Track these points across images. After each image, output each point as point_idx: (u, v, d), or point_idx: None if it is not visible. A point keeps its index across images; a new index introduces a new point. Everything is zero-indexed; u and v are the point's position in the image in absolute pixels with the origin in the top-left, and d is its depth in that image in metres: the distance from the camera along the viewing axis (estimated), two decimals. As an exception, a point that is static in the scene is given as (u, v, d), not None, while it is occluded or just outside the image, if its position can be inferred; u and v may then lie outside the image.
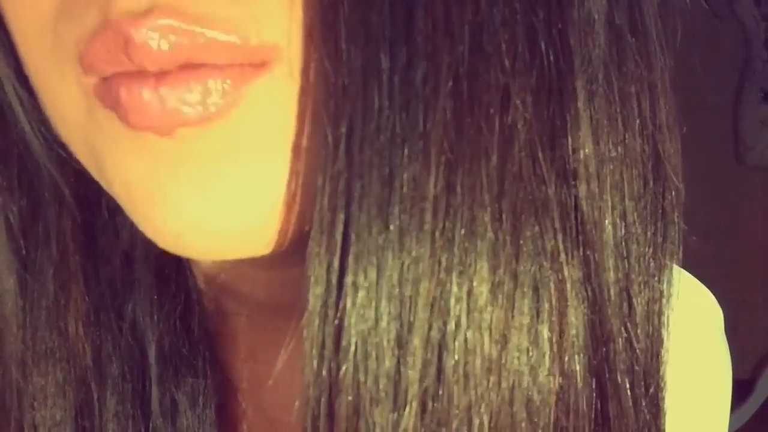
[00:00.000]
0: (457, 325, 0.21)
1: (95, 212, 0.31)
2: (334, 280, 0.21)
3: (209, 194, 0.22)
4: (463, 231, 0.21)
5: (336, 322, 0.21)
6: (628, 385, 0.25)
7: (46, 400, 0.30)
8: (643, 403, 0.26)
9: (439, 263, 0.21)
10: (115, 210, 0.31)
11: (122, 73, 0.22)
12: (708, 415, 0.38)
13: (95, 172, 0.25)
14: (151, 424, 0.30)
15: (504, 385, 0.22)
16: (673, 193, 0.26)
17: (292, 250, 0.24)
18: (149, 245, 0.31)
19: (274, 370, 0.34)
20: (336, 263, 0.21)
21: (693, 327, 0.37)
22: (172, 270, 0.32)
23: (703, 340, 0.38)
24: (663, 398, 0.27)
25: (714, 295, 0.40)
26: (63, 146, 0.27)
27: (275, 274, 0.30)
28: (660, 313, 0.26)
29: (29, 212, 0.30)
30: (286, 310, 0.32)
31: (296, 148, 0.22)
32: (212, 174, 0.22)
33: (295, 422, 0.33)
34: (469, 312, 0.21)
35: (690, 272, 0.41)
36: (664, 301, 0.27)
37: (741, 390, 1.67)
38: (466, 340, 0.21)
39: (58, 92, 0.24)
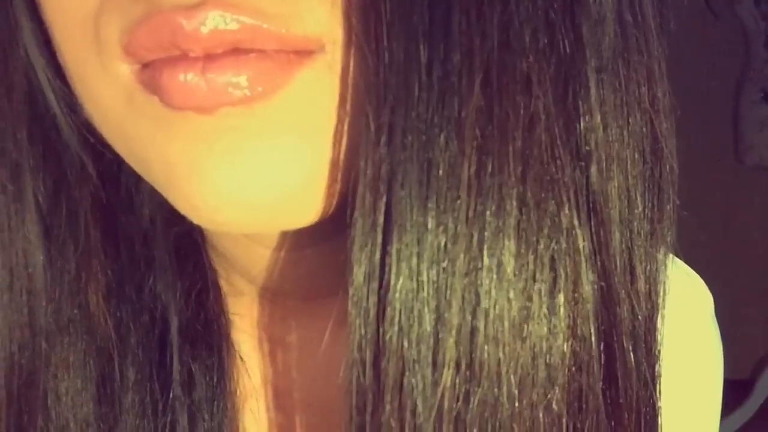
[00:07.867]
0: (488, 294, 0.24)
1: (116, 193, 0.33)
2: (377, 256, 0.24)
3: (244, 168, 0.24)
4: (493, 209, 0.23)
5: (381, 293, 0.24)
6: (631, 347, 0.27)
7: (69, 370, 0.32)
8: (644, 364, 0.28)
9: (472, 239, 0.23)
10: (134, 191, 0.33)
11: (165, 58, 0.23)
12: (700, 398, 0.40)
13: (128, 156, 0.27)
14: (170, 394, 0.32)
15: (527, 347, 0.24)
16: (668, 170, 0.28)
17: (314, 233, 0.26)
18: (167, 226, 0.33)
19: (290, 349, 0.35)
20: (379, 240, 0.24)
21: (684, 312, 0.39)
22: (190, 250, 0.33)
23: (695, 325, 0.40)
24: (659, 359, 0.29)
25: (713, 294, 0.41)
26: (90, 130, 0.29)
27: (294, 256, 0.32)
28: (657, 282, 0.29)
29: (55, 191, 0.31)
30: (301, 291, 0.33)
31: (337, 133, 0.24)
32: (248, 149, 0.23)
33: (311, 398, 0.34)
34: (498, 282, 0.24)
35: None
36: (661, 270, 0.29)
37: (741, 390, 1.67)
38: (495, 307, 0.24)
39: (97, 83, 0.26)
